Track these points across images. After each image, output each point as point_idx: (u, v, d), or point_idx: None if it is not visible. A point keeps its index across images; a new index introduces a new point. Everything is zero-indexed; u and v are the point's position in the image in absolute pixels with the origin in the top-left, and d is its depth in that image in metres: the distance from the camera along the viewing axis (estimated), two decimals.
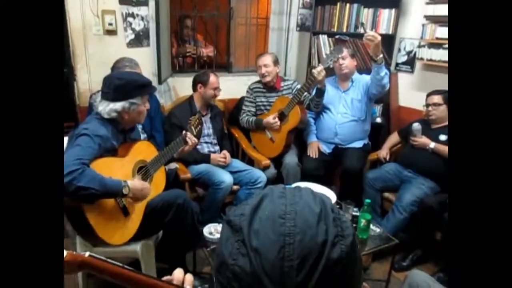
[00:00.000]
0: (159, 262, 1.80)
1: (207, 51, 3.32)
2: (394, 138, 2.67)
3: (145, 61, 2.48)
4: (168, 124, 2.40)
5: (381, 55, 2.28)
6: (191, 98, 2.48)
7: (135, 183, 1.52)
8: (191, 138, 1.87)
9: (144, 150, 1.71)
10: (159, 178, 1.76)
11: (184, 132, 1.88)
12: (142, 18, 2.58)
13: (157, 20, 2.38)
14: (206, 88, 2.40)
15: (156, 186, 1.72)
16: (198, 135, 2.35)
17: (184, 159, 2.25)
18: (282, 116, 2.50)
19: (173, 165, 2.23)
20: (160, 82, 2.50)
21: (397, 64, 2.97)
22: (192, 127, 2.10)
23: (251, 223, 0.44)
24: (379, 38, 2.19)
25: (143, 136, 2.30)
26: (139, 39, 2.59)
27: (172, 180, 2.05)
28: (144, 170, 1.66)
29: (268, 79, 2.55)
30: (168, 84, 2.79)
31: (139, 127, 2.10)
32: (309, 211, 0.44)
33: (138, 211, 1.60)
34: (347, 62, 2.50)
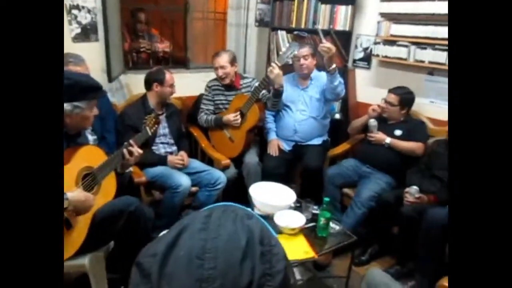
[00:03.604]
0: (111, 273, 1.69)
1: (163, 46, 3.19)
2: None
3: (93, 57, 2.31)
4: (121, 125, 2.26)
5: (334, 65, 2.30)
6: (144, 97, 2.35)
7: (77, 194, 1.39)
8: (132, 151, 1.68)
9: (90, 156, 1.58)
10: (109, 184, 1.64)
11: (125, 143, 1.71)
12: (89, 11, 2.40)
13: (105, 12, 2.22)
14: (163, 87, 2.28)
15: (105, 194, 1.60)
16: (154, 136, 2.24)
17: (139, 162, 2.13)
18: (241, 115, 2.45)
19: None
20: (110, 79, 2.34)
21: (354, 61, 3.00)
22: (147, 128, 1.99)
23: (163, 265, 0.37)
24: (334, 49, 2.23)
25: (92, 137, 2.15)
26: (86, 33, 2.41)
27: (127, 184, 1.94)
28: (90, 178, 1.54)
29: (226, 81, 2.49)
30: (121, 82, 2.63)
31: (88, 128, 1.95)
32: (233, 246, 0.38)
33: (83, 223, 1.48)
34: (308, 62, 2.49)
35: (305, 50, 2.47)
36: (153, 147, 2.32)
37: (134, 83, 2.69)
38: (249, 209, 0.50)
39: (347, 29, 2.85)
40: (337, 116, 2.92)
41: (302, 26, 2.88)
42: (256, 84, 2.49)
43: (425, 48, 2.40)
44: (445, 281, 1.41)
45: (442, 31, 2.28)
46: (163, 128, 2.36)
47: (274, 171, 2.42)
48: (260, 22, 3.18)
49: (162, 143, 2.36)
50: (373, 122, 2.39)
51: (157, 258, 0.38)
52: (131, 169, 2.10)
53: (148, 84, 2.31)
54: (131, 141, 1.72)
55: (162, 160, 2.26)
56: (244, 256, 0.37)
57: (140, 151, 1.74)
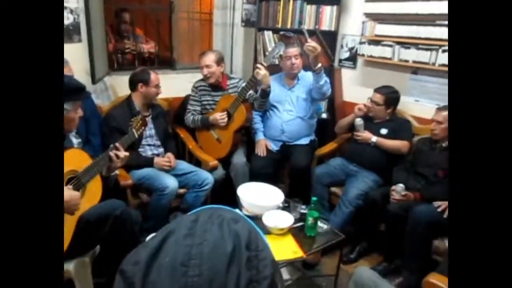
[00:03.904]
0: (98, 278, 1.66)
1: (148, 47, 3.15)
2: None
3: (77, 59, 2.26)
4: (106, 127, 2.22)
5: (320, 65, 2.31)
6: (129, 98, 2.31)
7: None
8: (119, 154, 1.66)
9: (74, 159, 1.55)
10: (94, 188, 1.61)
11: (111, 146, 1.68)
12: (71, 11, 2.35)
13: (87, 13, 2.18)
14: (148, 87, 2.25)
15: (90, 198, 1.57)
16: (140, 138, 2.21)
17: (126, 164, 2.10)
18: (228, 116, 2.44)
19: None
20: (94, 81, 2.30)
21: (340, 60, 3.03)
22: (134, 130, 1.96)
23: (147, 273, 0.36)
24: (319, 49, 2.25)
25: (77, 141, 2.12)
26: (69, 34, 2.36)
27: (113, 188, 1.91)
28: (75, 181, 1.51)
29: (211, 80, 2.48)
30: (105, 83, 2.59)
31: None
32: (219, 252, 0.37)
33: (67, 227, 1.45)
34: (298, 61, 2.50)
35: (296, 50, 2.48)
36: (140, 149, 2.29)
37: (119, 84, 2.65)
38: (237, 211, 0.50)
39: (332, 29, 2.87)
40: (324, 115, 2.94)
41: (288, 26, 2.89)
42: (243, 84, 2.49)
43: (409, 48, 2.44)
44: (431, 277, 1.43)
45: (426, 31, 2.32)
46: (150, 130, 2.33)
47: (262, 171, 2.42)
48: (246, 22, 3.17)
49: (148, 145, 2.33)
50: (359, 121, 2.42)
51: (141, 266, 0.37)
52: (117, 172, 2.07)
53: (132, 84, 2.28)
54: (117, 144, 1.70)
55: (148, 162, 2.23)
56: (230, 262, 0.37)
57: (127, 153, 1.72)
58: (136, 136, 1.93)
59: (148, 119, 2.32)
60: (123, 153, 1.67)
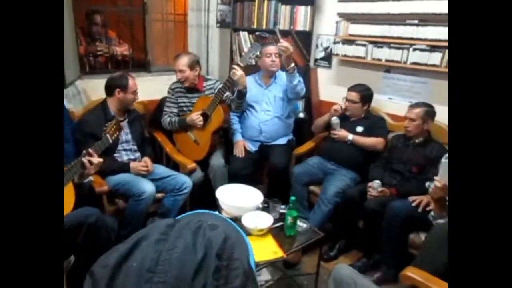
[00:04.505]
0: None
1: (122, 49, 3.07)
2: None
3: None
4: (80, 133, 2.15)
5: (293, 65, 2.33)
6: (104, 103, 2.25)
7: None
8: (91, 161, 1.61)
9: None
10: (66, 196, 1.56)
11: (84, 152, 1.63)
12: None
13: None
14: (126, 93, 2.19)
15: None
16: (115, 143, 2.16)
17: (101, 170, 2.04)
18: (205, 117, 2.42)
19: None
20: (64, 85, 2.23)
21: (315, 60, 3.06)
22: (108, 135, 1.92)
23: (114, 277, 0.36)
24: (291, 49, 2.26)
25: None
26: None
27: (87, 194, 1.85)
28: None
29: (186, 84, 2.48)
30: (77, 87, 2.51)
31: None
32: (187, 260, 0.36)
33: None
34: (278, 60, 2.50)
35: (276, 48, 2.47)
36: (116, 154, 2.23)
37: (92, 88, 2.58)
38: (223, 217, 0.49)
39: (307, 29, 2.90)
40: (301, 115, 2.96)
41: (264, 26, 2.89)
42: (220, 85, 2.48)
43: (381, 47, 2.49)
44: (408, 271, 1.47)
45: (397, 30, 2.37)
46: (126, 135, 2.28)
47: (240, 172, 2.41)
48: (222, 23, 3.16)
49: (124, 150, 2.28)
50: (335, 120, 2.45)
51: (108, 269, 0.37)
52: (91, 178, 2.02)
53: (109, 90, 2.22)
54: (90, 150, 1.65)
55: (124, 168, 2.18)
56: (197, 270, 0.36)
57: (100, 159, 1.67)
58: (111, 141, 1.88)
59: (125, 123, 2.27)
60: (96, 159, 1.63)
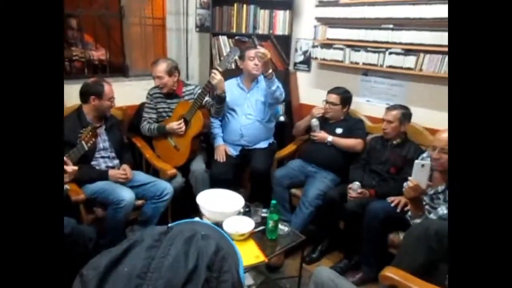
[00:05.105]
0: None
1: (99, 54, 3.02)
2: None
3: None
4: None
5: (271, 70, 2.34)
6: (79, 109, 2.20)
7: None
8: (65, 169, 1.57)
9: None
10: None
11: None
12: None
13: None
14: (101, 100, 2.14)
15: None
16: (92, 150, 2.11)
17: (77, 179, 1.99)
18: (185, 122, 2.40)
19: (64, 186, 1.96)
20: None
21: (295, 64, 3.09)
22: (83, 142, 1.87)
23: (103, 280, 0.36)
24: (269, 55, 2.27)
25: None
26: None
27: (64, 204, 1.80)
28: None
29: (164, 90, 2.45)
30: None
31: None
32: (179, 269, 0.36)
33: None
34: (260, 63, 2.50)
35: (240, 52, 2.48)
36: (93, 162, 2.18)
37: (68, 94, 2.49)
38: (216, 227, 0.49)
39: (286, 33, 2.92)
40: (282, 118, 2.98)
41: (243, 31, 2.90)
42: (199, 90, 2.46)
43: (358, 51, 2.54)
44: (386, 271, 1.49)
45: (373, 34, 2.43)
46: (103, 142, 2.24)
47: (222, 177, 2.40)
48: (201, 28, 3.15)
49: (102, 157, 2.23)
50: (315, 122, 2.48)
51: (98, 272, 0.37)
52: (67, 186, 1.96)
53: (84, 96, 2.16)
54: (64, 158, 1.61)
55: (103, 176, 2.13)
56: (187, 280, 0.36)
57: (75, 167, 1.63)
58: (86, 148, 1.84)
59: (102, 130, 2.23)
60: (71, 167, 1.58)
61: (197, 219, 0.62)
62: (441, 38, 2.11)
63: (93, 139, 1.94)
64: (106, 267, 0.37)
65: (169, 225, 0.44)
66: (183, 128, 2.39)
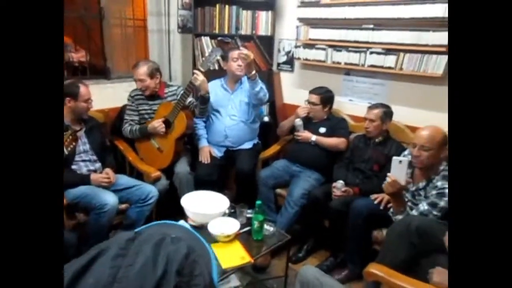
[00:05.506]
0: None
1: (79, 56, 2.97)
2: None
3: None
4: None
5: (254, 72, 2.35)
6: None
7: None
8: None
9: None
10: None
11: None
12: None
13: None
14: (77, 102, 2.10)
15: None
16: (72, 154, 2.07)
17: None
18: (168, 124, 2.38)
19: None
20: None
21: (278, 64, 3.10)
22: (63, 147, 1.83)
23: None
24: (252, 56, 2.28)
25: None
26: None
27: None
28: None
29: (147, 93, 2.43)
30: None
31: None
32: (146, 277, 0.35)
33: None
34: (244, 64, 2.50)
35: (222, 52, 2.48)
36: (74, 166, 2.14)
37: None
38: (188, 228, 0.48)
39: (269, 34, 2.93)
40: (266, 119, 2.99)
41: (226, 31, 2.90)
42: (182, 91, 2.44)
43: (340, 51, 2.57)
44: (371, 268, 1.51)
45: (354, 34, 2.46)
46: (83, 145, 2.19)
47: (206, 178, 2.39)
48: (183, 29, 3.12)
49: (83, 161, 2.18)
50: (298, 122, 2.50)
51: (64, 283, 0.36)
52: None
53: None
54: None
55: (84, 180, 2.08)
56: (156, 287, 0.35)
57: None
58: (66, 153, 1.80)
59: (81, 133, 2.18)
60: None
61: (182, 221, 0.60)
62: (420, 37, 2.15)
63: (73, 143, 1.89)
64: (72, 278, 0.36)
65: (137, 229, 0.43)
66: (163, 126, 2.36)
